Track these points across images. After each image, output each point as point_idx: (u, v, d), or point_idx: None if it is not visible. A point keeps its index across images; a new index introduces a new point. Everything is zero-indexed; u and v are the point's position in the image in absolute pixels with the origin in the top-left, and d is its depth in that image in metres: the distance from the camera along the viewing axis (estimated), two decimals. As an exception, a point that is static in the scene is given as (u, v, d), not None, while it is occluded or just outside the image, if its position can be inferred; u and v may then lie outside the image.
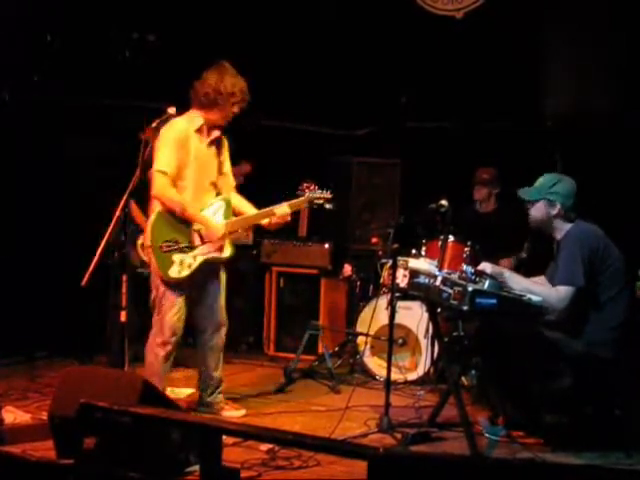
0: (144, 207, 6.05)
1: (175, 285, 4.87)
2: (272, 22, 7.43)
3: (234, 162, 5.37)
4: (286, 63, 7.41)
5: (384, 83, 7.47)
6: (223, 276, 5.10)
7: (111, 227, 4.43)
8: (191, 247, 4.88)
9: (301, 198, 5.17)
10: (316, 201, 5.21)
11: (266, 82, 7.36)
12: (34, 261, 6.34)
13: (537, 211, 4.86)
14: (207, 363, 5.09)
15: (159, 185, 4.79)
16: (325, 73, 7.49)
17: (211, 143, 4.98)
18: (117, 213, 4.46)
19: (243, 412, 5.17)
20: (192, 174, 4.90)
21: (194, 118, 4.91)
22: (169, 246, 4.84)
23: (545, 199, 4.81)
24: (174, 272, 4.82)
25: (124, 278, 4.52)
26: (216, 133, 5.00)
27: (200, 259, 4.89)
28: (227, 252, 4.97)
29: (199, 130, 4.92)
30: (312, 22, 7.49)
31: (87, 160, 6.61)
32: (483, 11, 7.19)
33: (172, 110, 4.74)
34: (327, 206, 5.22)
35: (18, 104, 6.42)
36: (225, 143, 5.10)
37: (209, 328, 5.05)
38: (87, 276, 4.34)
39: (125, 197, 4.49)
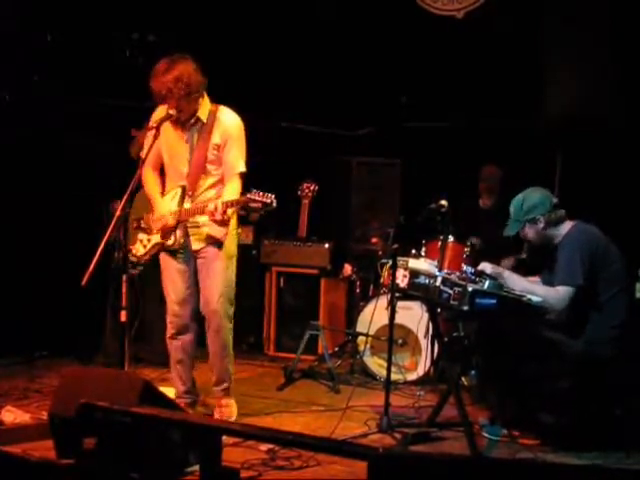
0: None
1: (165, 266, 4.98)
2: (272, 22, 7.42)
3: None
4: (286, 63, 7.41)
5: (384, 83, 7.47)
6: (221, 266, 4.95)
7: (111, 227, 4.42)
8: (146, 229, 5.00)
9: (236, 197, 4.78)
10: (252, 204, 4.68)
11: (266, 82, 7.38)
12: (34, 261, 6.34)
13: (529, 235, 4.90)
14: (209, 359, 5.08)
15: (141, 163, 4.83)
16: (325, 73, 7.49)
17: (184, 130, 4.90)
18: (117, 213, 4.45)
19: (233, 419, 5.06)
20: (166, 160, 4.98)
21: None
22: (137, 223, 5.05)
23: (526, 222, 4.83)
24: (134, 250, 4.99)
25: (124, 278, 4.52)
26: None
27: (154, 240, 4.95)
28: (170, 241, 4.87)
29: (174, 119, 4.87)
30: (312, 22, 7.49)
31: (87, 160, 6.60)
32: (483, 11, 7.19)
33: (172, 111, 4.73)
34: (263, 212, 4.79)
35: (18, 104, 6.41)
36: (217, 130, 4.91)
37: (203, 318, 5.01)
38: (87, 276, 4.33)
39: (125, 197, 4.49)
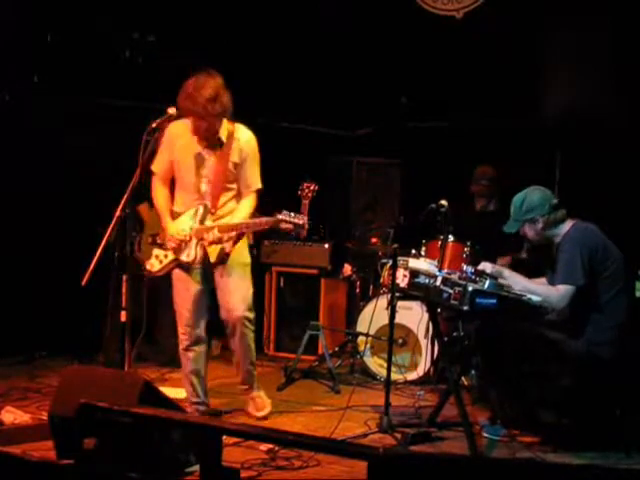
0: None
1: (179, 278, 4.99)
2: (272, 22, 7.42)
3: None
4: (286, 63, 7.41)
5: (384, 83, 7.47)
6: (242, 272, 5.04)
7: (111, 227, 4.42)
8: (162, 245, 5.02)
9: (265, 219, 4.91)
10: (283, 225, 4.86)
11: (266, 82, 7.38)
12: (34, 261, 6.33)
13: (529, 234, 4.91)
14: (234, 360, 5.17)
15: (153, 174, 4.99)
16: (325, 73, 7.49)
17: (204, 148, 4.94)
18: (117, 213, 4.46)
19: (263, 413, 5.15)
20: (181, 176, 4.99)
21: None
22: (153, 239, 5.09)
23: (525, 221, 4.83)
24: (149, 265, 5.05)
25: (124, 278, 4.52)
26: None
27: (170, 257, 4.97)
28: (187, 257, 4.91)
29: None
30: (312, 22, 7.49)
31: (87, 160, 6.60)
32: (483, 11, 7.19)
33: (172, 110, 4.74)
34: (296, 233, 5.00)
35: (18, 104, 6.41)
36: (235, 149, 4.97)
37: (227, 326, 5.06)
38: (87, 276, 4.34)
39: (125, 197, 4.49)
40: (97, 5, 6.77)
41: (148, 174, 4.86)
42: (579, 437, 4.63)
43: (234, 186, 4.98)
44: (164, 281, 5.22)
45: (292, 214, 4.78)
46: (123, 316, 4.53)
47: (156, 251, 5.04)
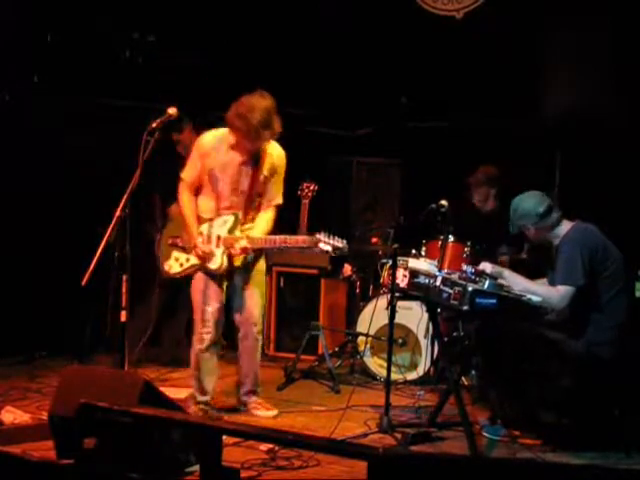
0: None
1: (201, 278, 5.03)
2: (272, 22, 7.42)
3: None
4: (286, 63, 7.40)
5: (384, 83, 7.47)
6: (259, 279, 5.15)
7: (111, 227, 4.42)
8: (185, 249, 5.09)
9: (302, 237, 5.05)
10: (320, 245, 4.82)
11: (266, 82, 7.37)
12: (34, 261, 6.33)
13: (528, 235, 4.95)
14: (239, 363, 5.20)
15: (182, 181, 5.09)
16: (325, 73, 7.48)
17: (244, 160, 5.00)
18: (117, 213, 4.45)
19: (275, 412, 5.19)
20: (216, 184, 5.04)
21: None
22: (174, 241, 5.18)
23: (520, 227, 4.88)
24: (167, 266, 5.17)
25: (124, 278, 4.52)
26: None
27: (192, 261, 5.04)
28: (214, 264, 4.96)
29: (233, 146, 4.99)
30: (312, 22, 7.49)
31: (87, 160, 6.60)
32: (483, 11, 7.19)
33: (173, 110, 4.73)
34: (333, 254, 4.97)
35: (18, 104, 6.41)
36: (268, 163, 5.04)
37: (240, 329, 5.14)
38: (87, 276, 4.34)
39: (125, 197, 4.49)
40: (97, 5, 6.77)
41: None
42: (579, 437, 4.63)
43: (259, 199, 5.08)
44: (173, 282, 5.29)
45: (331, 236, 4.82)
46: (123, 316, 4.53)
47: (176, 253, 5.13)
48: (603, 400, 4.68)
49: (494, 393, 5.07)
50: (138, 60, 6.99)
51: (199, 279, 5.05)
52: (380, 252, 6.53)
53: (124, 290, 4.50)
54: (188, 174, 5.06)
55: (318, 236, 4.80)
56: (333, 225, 7.23)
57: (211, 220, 5.02)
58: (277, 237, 4.95)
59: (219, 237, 4.95)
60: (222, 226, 4.97)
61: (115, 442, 3.40)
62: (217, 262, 4.95)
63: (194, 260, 5.03)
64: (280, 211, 5.17)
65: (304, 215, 6.85)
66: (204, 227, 5.01)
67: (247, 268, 5.08)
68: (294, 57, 7.43)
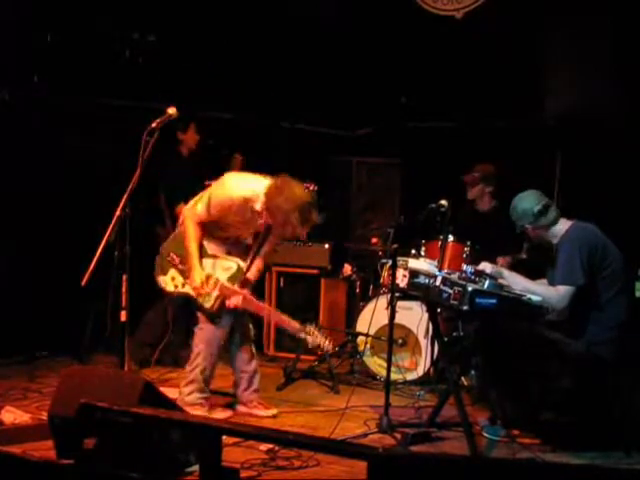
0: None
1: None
2: (272, 22, 7.42)
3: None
4: (286, 64, 7.41)
5: (384, 83, 7.47)
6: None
7: (111, 227, 4.42)
8: (183, 273, 5.07)
9: (298, 326, 5.05)
10: (309, 339, 5.00)
11: (266, 82, 7.38)
12: (34, 261, 6.33)
13: (529, 234, 4.96)
14: (234, 361, 5.24)
15: (194, 213, 5.02)
16: (325, 73, 7.49)
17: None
18: (117, 213, 4.45)
19: (274, 412, 5.20)
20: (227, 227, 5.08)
21: None
22: (173, 259, 5.10)
23: (519, 226, 4.90)
24: (162, 282, 5.11)
25: (124, 278, 4.52)
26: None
27: (187, 290, 5.06)
28: (207, 304, 4.99)
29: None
30: (312, 22, 7.49)
31: (87, 160, 6.60)
32: (483, 11, 7.19)
33: (172, 111, 4.73)
34: (321, 351, 5.19)
35: (18, 104, 6.41)
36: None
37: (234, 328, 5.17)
38: (87, 276, 4.34)
39: (125, 197, 4.49)
40: (97, 5, 6.77)
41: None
42: (579, 437, 4.63)
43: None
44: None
45: (322, 331, 5.06)
46: (123, 316, 4.52)
47: (173, 272, 5.10)
48: (603, 400, 4.68)
49: (494, 393, 5.07)
50: (138, 60, 6.99)
51: None
52: (380, 252, 6.53)
53: (124, 290, 4.50)
54: (205, 214, 4.98)
55: (309, 328, 4.99)
56: (333, 225, 7.28)
57: (215, 258, 5.04)
58: (272, 312, 5.28)
59: (218, 281, 4.97)
60: (224, 272, 5.02)
61: (115, 442, 3.40)
62: (210, 302, 4.99)
63: (189, 289, 5.04)
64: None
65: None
66: (207, 264, 5.02)
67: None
68: (294, 57, 7.44)
